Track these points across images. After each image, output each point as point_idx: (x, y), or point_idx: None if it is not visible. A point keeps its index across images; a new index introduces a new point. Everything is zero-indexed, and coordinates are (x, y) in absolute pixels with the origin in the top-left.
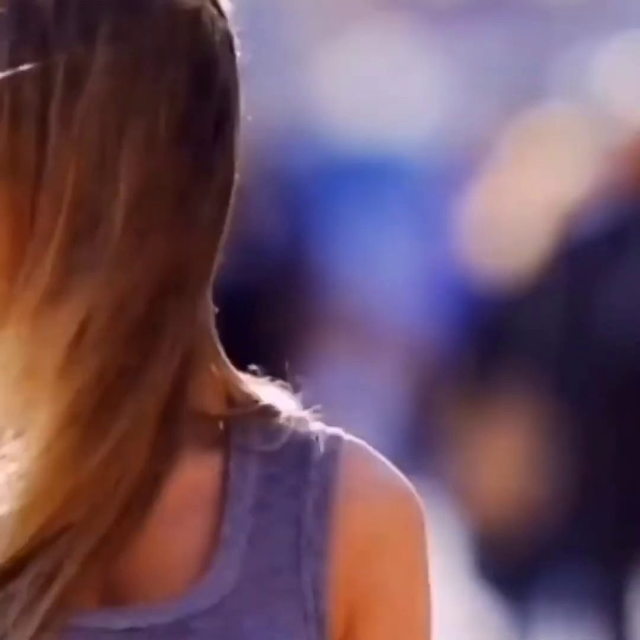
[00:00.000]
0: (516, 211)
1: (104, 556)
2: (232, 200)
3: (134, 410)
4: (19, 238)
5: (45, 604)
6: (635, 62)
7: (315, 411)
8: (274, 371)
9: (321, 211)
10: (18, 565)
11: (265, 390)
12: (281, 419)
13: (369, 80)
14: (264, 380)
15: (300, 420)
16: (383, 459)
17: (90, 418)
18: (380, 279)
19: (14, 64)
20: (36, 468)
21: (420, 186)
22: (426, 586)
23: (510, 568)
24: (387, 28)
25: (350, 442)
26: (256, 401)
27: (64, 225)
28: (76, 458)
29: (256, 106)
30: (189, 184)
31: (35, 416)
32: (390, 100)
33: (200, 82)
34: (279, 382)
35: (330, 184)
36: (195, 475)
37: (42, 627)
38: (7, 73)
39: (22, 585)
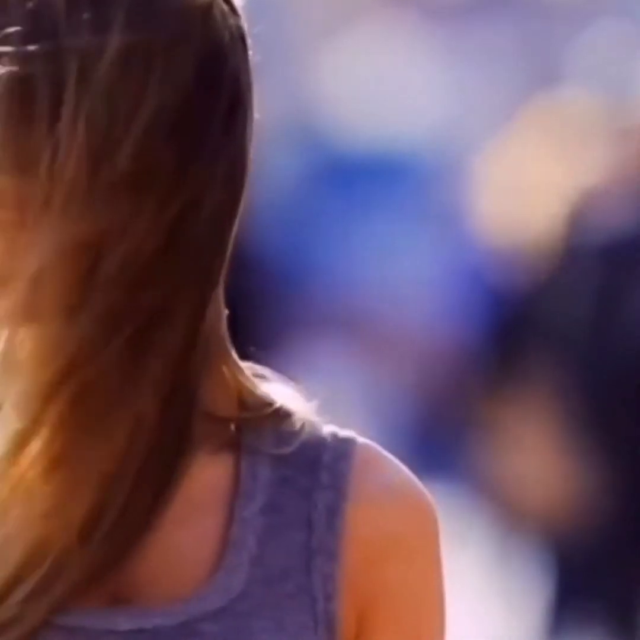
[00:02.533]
0: (528, 204)
1: (110, 557)
2: (244, 196)
3: (137, 407)
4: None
5: (49, 605)
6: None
7: (328, 412)
8: (283, 372)
9: (328, 209)
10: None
11: (278, 392)
12: (293, 422)
13: (375, 77)
14: (276, 380)
15: (313, 422)
16: (396, 461)
17: (94, 416)
18: (394, 276)
19: (24, 55)
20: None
21: (427, 183)
22: (439, 589)
23: (533, 566)
24: (392, 25)
25: (362, 444)
26: (268, 404)
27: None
28: (80, 460)
29: (259, 104)
30: (190, 173)
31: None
32: (396, 97)
33: (209, 75)
34: (292, 382)
35: (337, 181)
36: (205, 477)
37: (45, 628)
38: (19, 64)
39: (26, 587)
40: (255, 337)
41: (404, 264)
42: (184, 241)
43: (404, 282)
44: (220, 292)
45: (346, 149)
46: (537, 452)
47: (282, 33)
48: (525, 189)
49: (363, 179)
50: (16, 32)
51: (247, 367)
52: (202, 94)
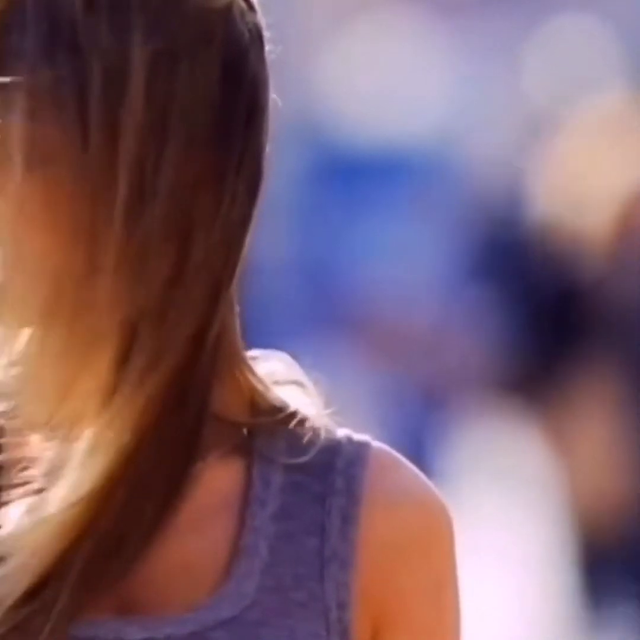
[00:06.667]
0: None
1: (119, 565)
2: (261, 196)
3: (146, 410)
4: (65, 236)
5: (55, 614)
6: None
7: (336, 413)
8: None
9: (330, 207)
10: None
11: (291, 395)
12: (307, 426)
13: (379, 74)
14: (291, 382)
15: (327, 426)
16: (411, 465)
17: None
18: (397, 275)
19: (46, 62)
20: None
21: (432, 181)
22: (454, 595)
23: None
24: (397, 21)
25: (377, 448)
26: (281, 408)
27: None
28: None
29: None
30: (222, 179)
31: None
32: (401, 95)
33: (232, 77)
34: (307, 385)
35: (341, 179)
36: (216, 482)
37: (51, 638)
38: (42, 72)
39: (35, 597)
40: (255, 337)
41: (407, 262)
42: (212, 252)
43: (408, 282)
44: (232, 295)
45: (349, 147)
46: (573, 449)
47: (285, 29)
48: (569, 186)
49: (367, 176)
50: (33, 35)
51: (278, 357)
52: (226, 96)
